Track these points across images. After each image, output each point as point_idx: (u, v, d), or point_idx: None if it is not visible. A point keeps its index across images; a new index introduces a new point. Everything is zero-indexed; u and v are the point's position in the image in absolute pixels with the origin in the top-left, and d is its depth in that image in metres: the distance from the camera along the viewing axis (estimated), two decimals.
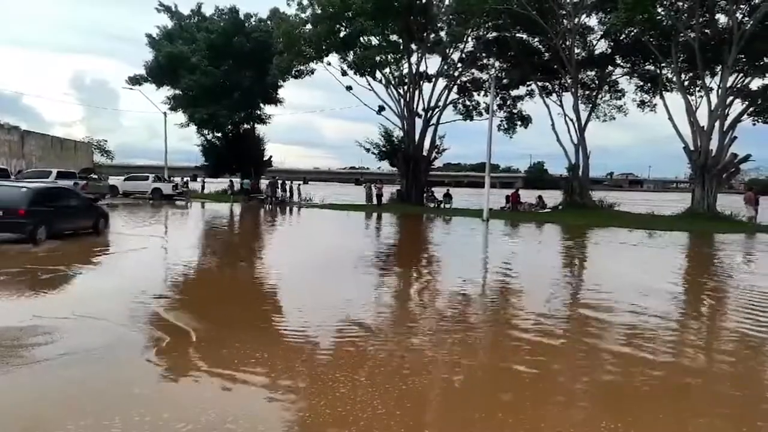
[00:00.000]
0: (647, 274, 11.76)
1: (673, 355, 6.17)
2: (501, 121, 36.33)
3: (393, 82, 35.11)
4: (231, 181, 40.99)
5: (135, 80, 41.51)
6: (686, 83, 29.06)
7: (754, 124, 28.68)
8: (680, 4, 26.26)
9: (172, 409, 4.34)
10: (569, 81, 31.74)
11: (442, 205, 34.27)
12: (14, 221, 12.32)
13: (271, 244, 17.93)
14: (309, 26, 32.54)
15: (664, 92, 30.49)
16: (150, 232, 17.65)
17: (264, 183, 38.91)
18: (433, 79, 35.26)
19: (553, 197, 34.42)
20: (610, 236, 19.98)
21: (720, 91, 26.74)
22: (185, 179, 46.63)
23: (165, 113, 42.30)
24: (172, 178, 41.97)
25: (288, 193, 36.90)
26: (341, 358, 5.69)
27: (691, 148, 27.48)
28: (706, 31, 27.12)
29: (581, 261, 14.84)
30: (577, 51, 31.21)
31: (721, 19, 27.30)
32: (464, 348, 6.25)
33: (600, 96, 33.98)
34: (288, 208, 32.41)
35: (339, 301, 8.23)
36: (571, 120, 31.75)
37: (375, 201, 34.46)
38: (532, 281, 10.81)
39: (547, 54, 32.55)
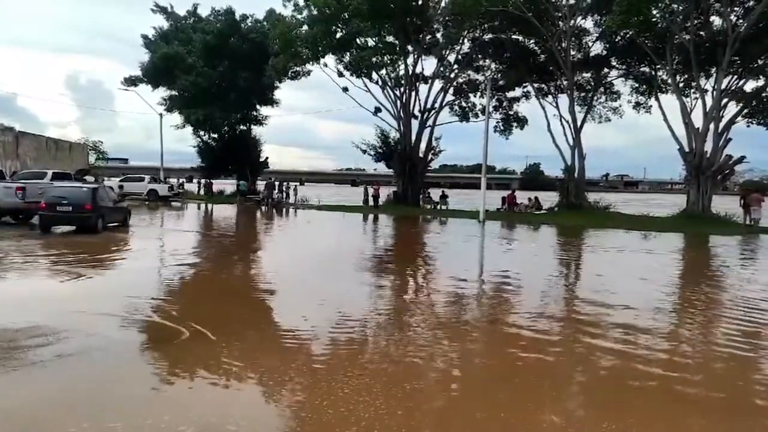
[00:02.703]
0: (643, 284, 11.16)
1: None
2: (497, 122, 36.44)
3: (389, 84, 35.15)
4: (206, 180, 41.69)
5: (131, 81, 41.43)
6: (681, 85, 29.19)
7: (749, 126, 28.83)
8: (675, 6, 26.34)
9: (174, 411, 4.34)
10: (565, 83, 31.84)
11: (438, 207, 34.32)
12: (82, 215, 15.42)
13: (273, 245, 17.89)
14: (305, 27, 32.56)
15: (659, 94, 30.65)
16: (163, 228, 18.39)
17: (261, 184, 38.99)
18: (429, 81, 35.38)
19: (549, 198, 34.51)
20: (606, 238, 20.00)
21: (715, 92, 26.88)
22: (181, 180, 46.56)
23: (161, 114, 42.26)
24: (167, 180, 41.88)
25: (284, 195, 36.83)
26: (343, 359, 5.70)
27: (686, 149, 27.58)
28: (700, 33, 27.25)
29: (575, 267, 14.76)
30: (572, 53, 31.29)
31: (716, 21, 27.48)
32: (464, 349, 6.27)
33: (596, 97, 34.07)
34: (284, 210, 32.36)
35: (341, 303, 8.23)
36: (567, 121, 31.89)
37: (372, 202, 34.47)
38: (525, 285, 10.82)
39: (542, 56, 32.63)
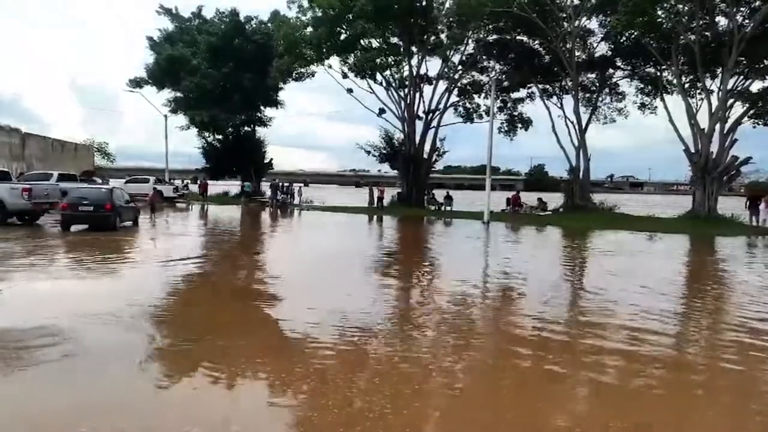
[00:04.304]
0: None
1: None
2: (501, 123, 36.35)
3: (393, 85, 35.17)
4: (202, 181, 42.11)
5: (136, 83, 41.54)
6: (687, 86, 29.06)
7: (755, 127, 28.69)
8: (680, 6, 26.25)
9: (179, 412, 4.34)
10: (570, 83, 31.76)
11: (442, 208, 34.27)
12: (103, 214, 16.45)
13: (281, 247, 17.91)
14: (309, 29, 32.59)
15: (664, 95, 30.51)
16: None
17: (265, 185, 39.11)
18: (434, 82, 35.36)
19: (553, 199, 34.43)
20: (612, 240, 19.84)
21: (720, 93, 26.75)
22: (185, 182, 46.67)
23: (166, 116, 42.32)
24: (172, 181, 42.00)
25: (289, 196, 36.78)
26: (350, 359, 5.70)
27: (692, 150, 27.46)
28: (706, 33, 27.13)
29: (579, 274, 14.67)
30: (577, 53, 31.22)
31: (722, 21, 27.33)
32: (471, 351, 6.26)
33: (600, 98, 33.97)
34: (289, 211, 32.41)
35: (348, 303, 8.22)
36: (572, 122, 31.78)
37: (376, 203, 34.48)
38: (529, 294, 10.79)
39: (547, 56, 32.54)
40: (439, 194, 36.41)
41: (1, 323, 6.43)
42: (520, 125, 36.64)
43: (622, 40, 29.61)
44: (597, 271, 13.30)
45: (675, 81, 28.83)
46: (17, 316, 6.78)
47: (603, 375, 5.44)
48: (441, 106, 35.30)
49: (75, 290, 8.97)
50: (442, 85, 35.34)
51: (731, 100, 27.37)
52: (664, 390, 5.07)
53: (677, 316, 8.22)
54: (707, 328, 7.72)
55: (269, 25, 39.95)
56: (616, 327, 7.23)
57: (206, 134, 42.88)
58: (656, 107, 32.57)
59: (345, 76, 34.61)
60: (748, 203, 26.34)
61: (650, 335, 6.80)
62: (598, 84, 33.54)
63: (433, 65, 38.45)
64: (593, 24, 31.29)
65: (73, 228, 16.69)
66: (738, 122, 27.43)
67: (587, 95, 33.77)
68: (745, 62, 26.87)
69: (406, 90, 35.05)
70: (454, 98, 36.17)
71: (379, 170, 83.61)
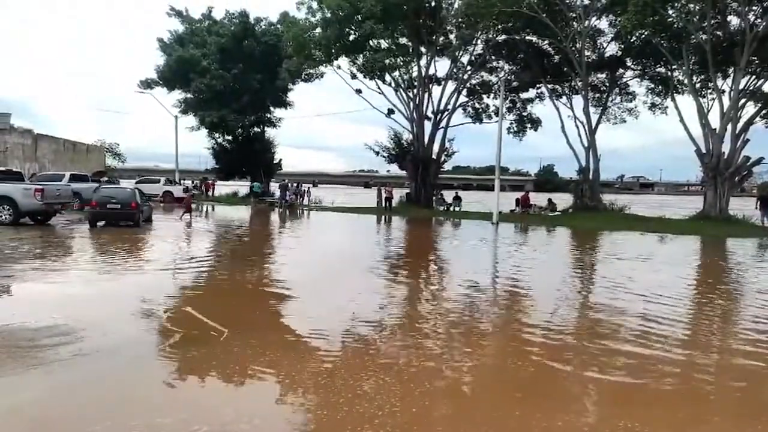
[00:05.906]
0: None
1: None
2: (511, 123, 36.26)
3: (402, 85, 35.16)
4: (206, 181, 42.39)
5: (146, 84, 41.82)
6: (698, 85, 28.82)
7: (767, 127, 28.44)
8: (691, 5, 26.05)
9: (189, 410, 4.37)
10: (579, 84, 31.59)
11: (451, 208, 34.22)
12: (128, 212, 18.03)
13: (294, 248, 17.97)
14: (318, 30, 32.64)
15: (675, 95, 30.27)
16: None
17: (274, 186, 39.28)
18: (443, 82, 35.30)
19: (563, 200, 34.24)
20: (623, 243, 19.52)
21: (732, 93, 26.53)
22: (195, 182, 46.94)
23: (176, 117, 42.57)
24: (182, 181, 42.25)
25: (298, 197, 36.83)
26: (361, 358, 5.71)
27: (703, 150, 27.24)
28: (717, 32, 26.91)
29: (588, 274, 14.58)
30: (587, 53, 31.05)
31: (733, 20, 27.11)
32: (480, 351, 6.26)
33: (610, 98, 33.77)
34: (298, 212, 32.50)
35: (360, 303, 8.25)
36: (582, 123, 31.57)
37: (384, 204, 34.47)
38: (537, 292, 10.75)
39: (557, 57, 32.41)
40: (448, 195, 36.36)
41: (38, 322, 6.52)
42: (529, 125, 36.53)
43: (632, 40, 29.34)
44: (611, 280, 12.75)
45: (686, 81, 28.61)
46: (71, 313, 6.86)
47: None
48: (450, 106, 35.30)
49: (86, 291, 9.07)
50: (450, 86, 35.33)
51: (743, 100, 27.13)
52: None
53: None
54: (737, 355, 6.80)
55: (278, 26, 40.09)
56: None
57: (216, 135, 43.10)
58: (667, 107, 32.37)
59: (354, 77, 34.64)
60: (759, 204, 26.09)
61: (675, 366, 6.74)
62: (608, 84, 33.35)
63: (441, 66, 38.49)
64: (603, 24, 31.15)
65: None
66: (750, 122, 27.19)
67: (597, 95, 33.59)
68: (757, 62, 26.60)
69: (415, 90, 35.04)
70: (463, 99, 36.15)
71: (388, 171, 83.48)
